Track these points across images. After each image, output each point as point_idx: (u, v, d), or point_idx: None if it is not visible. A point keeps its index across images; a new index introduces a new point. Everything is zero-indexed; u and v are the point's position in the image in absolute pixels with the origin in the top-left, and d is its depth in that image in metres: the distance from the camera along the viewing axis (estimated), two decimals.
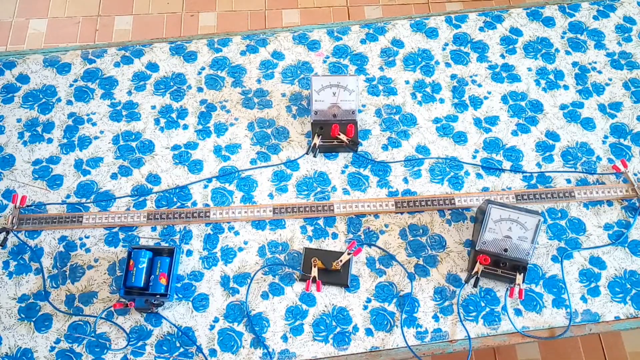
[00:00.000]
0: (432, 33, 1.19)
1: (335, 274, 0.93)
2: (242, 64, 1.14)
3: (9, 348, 0.89)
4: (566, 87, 1.13)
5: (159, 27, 1.98)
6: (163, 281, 0.89)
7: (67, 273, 0.94)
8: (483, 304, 0.93)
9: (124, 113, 1.09)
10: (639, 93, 1.13)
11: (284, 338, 0.91)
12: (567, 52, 1.17)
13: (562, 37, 1.19)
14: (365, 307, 0.93)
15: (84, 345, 0.89)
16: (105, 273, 0.94)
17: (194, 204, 1.00)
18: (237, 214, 0.99)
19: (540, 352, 1.50)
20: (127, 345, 0.89)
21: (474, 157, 1.06)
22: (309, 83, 1.12)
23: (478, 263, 0.91)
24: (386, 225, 0.99)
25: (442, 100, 1.11)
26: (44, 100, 1.10)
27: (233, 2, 2.04)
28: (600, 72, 1.15)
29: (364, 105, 1.11)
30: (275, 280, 0.95)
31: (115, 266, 0.95)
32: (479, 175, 1.04)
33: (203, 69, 1.13)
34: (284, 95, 1.11)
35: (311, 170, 1.04)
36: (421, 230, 0.99)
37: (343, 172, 1.04)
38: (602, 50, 1.17)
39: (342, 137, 1.03)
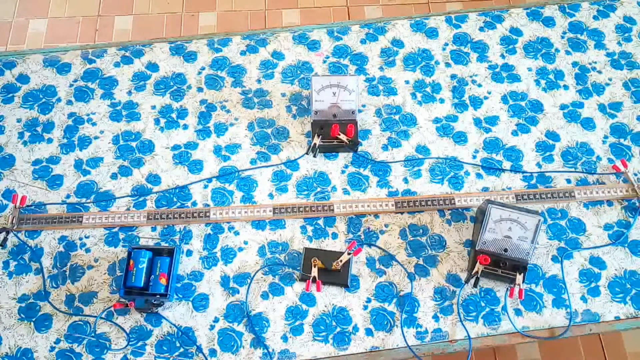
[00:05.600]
0: (432, 33, 1.19)
1: (335, 274, 0.93)
2: (242, 64, 1.14)
3: (9, 348, 0.89)
4: (566, 87, 1.13)
5: (159, 27, 1.98)
6: (163, 281, 0.89)
7: (67, 273, 0.94)
8: (483, 304, 0.93)
9: (124, 113, 1.09)
10: (639, 93, 1.13)
11: (284, 338, 0.91)
12: (567, 52, 1.17)
13: (562, 37, 1.19)
14: (365, 307, 0.93)
15: (84, 345, 0.89)
16: (105, 273, 0.94)
17: (194, 204, 1.00)
18: (237, 214, 0.99)
19: (540, 352, 1.50)
20: (127, 345, 0.89)
21: (474, 157, 1.06)
22: (309, 83, 1.12)
23: (478, 263, 0.91)
24: (386, 225, 0.99)
25: (442, 100, 1.11)
26: (44, 100, 1.10)
27: (233, 2, 2.04)
28: (600, 72, 1.15)
29: (364, 105, 1.11)
30: (275, 280, 0.95)
31: (115, 266, 0.95)
32: (479, 175, 1.04)
33: (203, 69, 1.13)
34: (284, 95, 1.11)
35: (311, 170, 1.04)
36: (421, 230, 0.99)
37: (343, 172, 1.04)
38: (602, 50, 1.17)
39: (342, 137, 1.03)
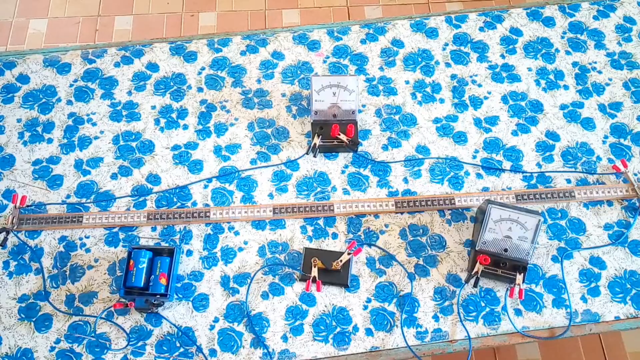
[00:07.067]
0: (432, 33, 1.19)
1: (335, 274, 0.93)
2: (242, 64, 1.14)
3: (9, 348, 0.89)
4: (566, 87, 1.13)
5: (159, 27, 1.98)
6: (163, 281, 0.89)
7: (67, 273, 0.94)
8: (483, 304, 0.93)
9: (124, 113, 1.09)
10: (639, 93, 1.13)
11: (284, 338, 0.91)
12: (567, 52, 1.17)
13: (562, 37, 1.19)
14: (365, 307, 0.93)
15: (84, 345, 0.89)
16: (105, 273, 0.94)
17: (194, 204, 1.00)
18: (237, 214, 0.99)
19: (540, 352, 1.50)
20: (127, 345, 0.89)
21: (474, 157, 1.06)
22: (309, 83, 1.12)
23: (478, 263, 0.91)
24: (386, 225, 0.99)
25: (442, 100, 1.11)
26: (44, 100, 1.10)
27: (233, 2, 2.04)
28: (600, 72, 1.15)
29: (364, 105, 1.11)
30: (275, 280, 0.95)
31: (115, 266, 0.95)
32: (479, 175, 1.04)
33: (203, 69, 1.14)
34: (284, 95, 1.11)
35: (311, 170, 1.04)
36: (421, 230, 0.99)
37: (343, 172, 1.04)
38: (602, 50, 1.17)
39: (342, 137, 1.03)
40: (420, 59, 1.16)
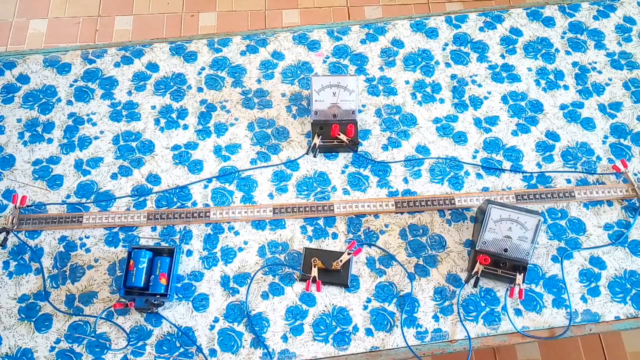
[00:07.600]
0: (432, 33, 1.19)
1: (335, 274, 0.93)
2: (242, 64, 1.14)
3: (9, 348, 0.89)
4: (566, 87, 1.13)
5: (159, 27, 1.98)
6: (163, 281, 0.89)
7: (67, 273, 0.94)
8: (483, 304, 0.93)
9: (124, 113, 1.09)
10: (639, 93, 1.13)
11: (284, 338, 0.91)
12: (567, 52, 1.17)
13: (562, 37, 1.19)
14: (365, 307, 0.93)
15: (84, 345, 0.89)
16: (105, 273, 0.94)
17: (194, 204, 1.00)
18: (237, 214, 0.99)
19: (540, 352, 1.50)
20: (127, 345, 0.89)
21: (474, 157, 1.06)
22: (309, 83, 1.12)
23: (478, 263, 0.91)
24: (386, 225, 0.99)
25: (442, 100, 1.11)
26: (44, 100, 1.10)
27: (233, 2, 2.04)
28: (600, 72, 1.15)
29: (364, 105, 1.11)
30: (275, 280, 0.95)
31: (115, 266, 0.95)
32: (479, 175, 1.04)
33: (203, 69, 1.14)
34: (284, 95, 1.11)
35: (311, 170, 1.04)
36: (421, 230, 0.99)
37: (343, 172, 1.04)
38: (602, 50, 1.17)
39: (342, 137, 1.03)
40: (420, 59, 1.16)
